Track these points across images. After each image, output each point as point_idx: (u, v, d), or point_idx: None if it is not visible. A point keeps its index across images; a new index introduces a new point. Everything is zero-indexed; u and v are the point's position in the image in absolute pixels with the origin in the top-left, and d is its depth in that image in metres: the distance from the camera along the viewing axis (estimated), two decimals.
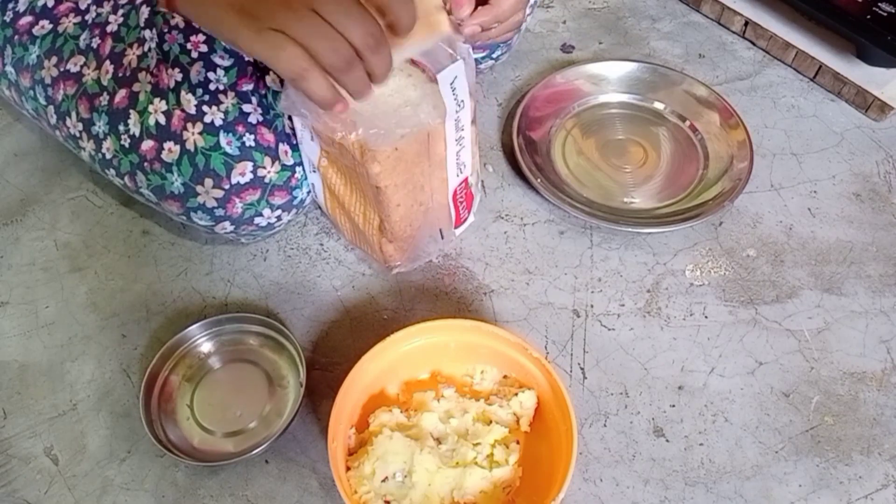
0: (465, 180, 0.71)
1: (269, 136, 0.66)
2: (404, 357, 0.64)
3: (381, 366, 0.63)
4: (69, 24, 0.69)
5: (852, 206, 0.79)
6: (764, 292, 0.73)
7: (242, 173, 0.65)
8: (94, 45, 0.68)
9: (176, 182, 0.65)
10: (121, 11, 0.69)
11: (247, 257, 0.76)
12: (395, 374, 0.65)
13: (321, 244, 0.77)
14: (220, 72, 0.65)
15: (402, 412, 0.62)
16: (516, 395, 0.62)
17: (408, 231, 0.68)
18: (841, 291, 0.73)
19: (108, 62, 0.68)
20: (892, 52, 0.82)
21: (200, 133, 0.64)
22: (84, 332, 0.71)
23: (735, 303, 0.72)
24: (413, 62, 0.61)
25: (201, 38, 0.66)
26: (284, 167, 0.67)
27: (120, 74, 0.67)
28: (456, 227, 0.75)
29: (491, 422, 0.62)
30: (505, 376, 0.66)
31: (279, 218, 0.70)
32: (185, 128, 0.64)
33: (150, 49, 0.66)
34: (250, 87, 0.66)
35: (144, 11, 0.68)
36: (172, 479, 0.62)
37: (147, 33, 0.67)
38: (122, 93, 0.66)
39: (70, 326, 0.72)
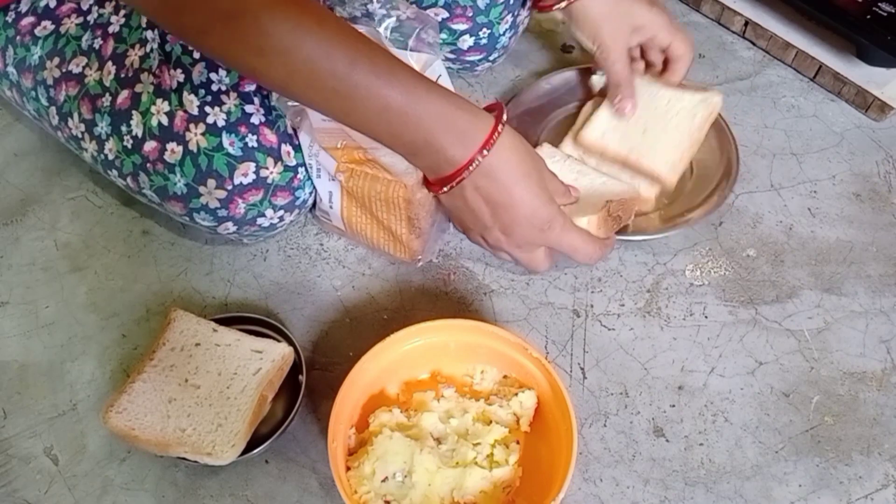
0: None
1: (271, 137, 0.66)
2: (404, 357, 0.64)
3: (381, 366, 0.63)
4: (71, 24, 0.69)
5: (852, 206, 0.79)
6: (764, 292, 0.73)
7: (245, 174, 0.65)
8: (97, 46, 0.68)
9: (179, 183, 0.65)
10: (122, 12, 0.69)
11: (247, 257, 0.76)
12: (395, 374, 0.65)
13: (321, 244, 0.77)
14: (223, 72, 0.65)
15: (402, 412, 0.62)
16: (516, 395, 0.62)
17: (428, 221, 0.69)
18: (841, 291, 0.73)
19: (110, 63, 0.67)
20: (892, 52, 0.82)
21: (203, 134, 0.64)
22: (84, 332, 0.71)
23: (735, 303, 0.72)
24: None
25: None
26: (287, 168, 0.67)
27: (122, 75, 0.67)
28: None
29: (491, 422, 0.62)
30: (505, 376, 0.66)
31: (282, 218, 0.70)
32: (187, 128, 0.64)
33: (151, 50, 0.66)
34: (252, 87, 0.66)
35: (143, 18, 0.67)
36: (172, 479, 0.62)
37: (149, 34, 0.67)
38: (124, 93, 0.66)
39: (70, 326, 0.72)
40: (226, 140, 0.64)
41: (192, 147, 0.64)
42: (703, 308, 0.72)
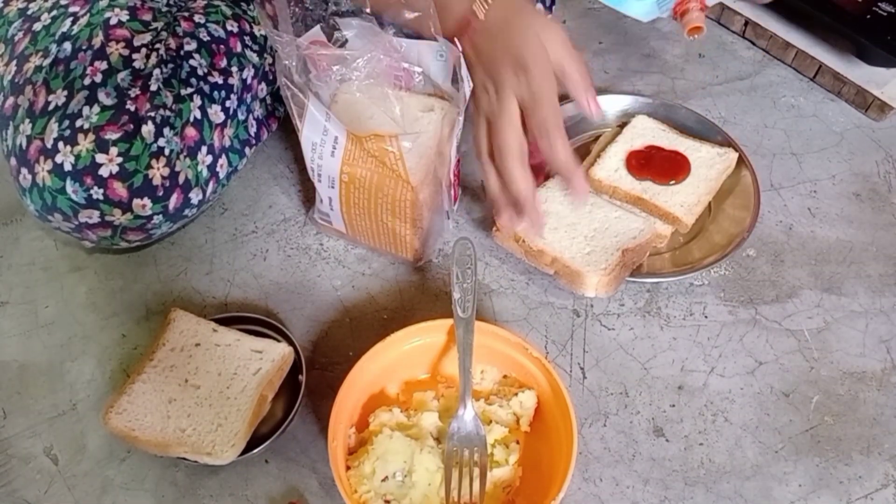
0: (458, 159, 0.72)
1: (121, 191, 0.62)
2: (404, 357, 0.64)
3: (381, 366, 0.63)
4: (14, 7, 0.67)
5: (852, 205, 0.79)
6: (764, 292, 0.73)
7: (90, 217, 0.63)
8: (16, 39, 0.66)
9: (30, 206, 0.65)
10: (54, 13, 0.65)
11: (246, 257, 0.76)
12: (395, 374, 0.65)
13: (321, 244, 0.77)
14: (95, 108, 0.61)
15: (402, 412, 0.62)
16: (516, 395, 0.62)
17: (429, 220, 0.69)
18: (841, 291, 0.73)
19: (14, 62, 0.65)
20: (892, 52, 0.82)
21: (49, 172, 0.62)
22: (84, 332, 0.71)
23: (735, 303, 0.72)
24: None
25: (103, 65, 0.63)
26: (139, 216, 0.65)
27: (16, 80, 0.64)
28: (454, 204, 0.77)
29: (491, 422, 0.62)
30: (505, 376, 0.66)
31: (150, 235, 0.68)
32: (37, 160, 0.62)
33: (45, 63, 0.63)
34: (114, 136, 0.62)
35: (67, 23, 0.64)
36: (172, 478, 0.62)
37: (54, 46, 0.63)
38: (10, 100, 0.64)
39: (70, 326, 0.72)
40: (69, 187, 0.62)
41: (39, 181, 0.62)
42: (703, 308, 0.72)
